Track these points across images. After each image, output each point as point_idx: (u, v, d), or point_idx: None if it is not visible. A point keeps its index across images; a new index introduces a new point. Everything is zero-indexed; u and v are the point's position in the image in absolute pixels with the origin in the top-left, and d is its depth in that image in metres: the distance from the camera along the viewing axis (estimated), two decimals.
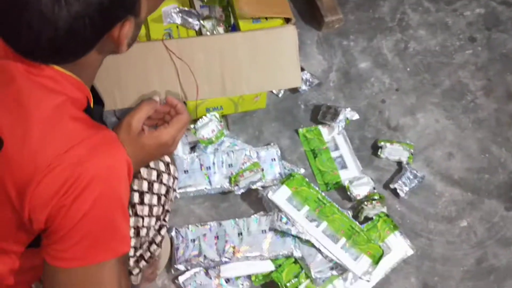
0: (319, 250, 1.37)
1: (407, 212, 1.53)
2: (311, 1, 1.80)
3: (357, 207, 1.49)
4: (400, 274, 1.44)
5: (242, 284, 1.38)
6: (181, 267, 1.36)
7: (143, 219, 1.02)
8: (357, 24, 1.85)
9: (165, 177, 1.04)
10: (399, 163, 1.59)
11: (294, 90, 1.69)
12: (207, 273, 1.37)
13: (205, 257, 1.35)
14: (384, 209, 1.47)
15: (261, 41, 1.38)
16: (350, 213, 1.45)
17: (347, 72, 1.76)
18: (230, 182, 1.46)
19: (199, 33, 1.44)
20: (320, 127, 1.62)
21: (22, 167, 0.76)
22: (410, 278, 1.44)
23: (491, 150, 1.65)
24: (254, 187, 1.46)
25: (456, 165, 1.62)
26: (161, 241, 1.13)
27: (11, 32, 0.75)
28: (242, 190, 1.46)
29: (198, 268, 1.37)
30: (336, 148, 1.59)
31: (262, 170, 1.48)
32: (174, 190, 1.11)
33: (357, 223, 1.42)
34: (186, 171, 1.46)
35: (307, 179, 1.46)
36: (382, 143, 1.59)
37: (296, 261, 1.39)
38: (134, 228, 1.00)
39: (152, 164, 1.01)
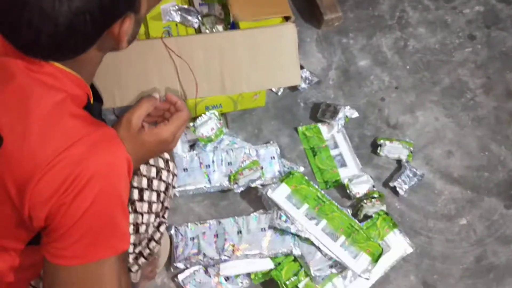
0: (318, 248, 1.37)
1: (407, 210, 1.53)
2: None
3: (356, 205, 1.49)
4: (400, 272, 1.44)
5: (242, 282, 1.38)
6: (180, 265, 1.36)
7: (142, 216, 1.02)
8: (356, 22, 1.85)
9: (164, 174, 1.04)
10: (399, 161, 1.59)
11: (294, 88, 1.68)
12: (206, 271, 1.37)
13: (204, 255, 1.35)
14: (384, 207, 1.47)
15: (261, 39, 1.38)
16: (349, 211, 1.45)
17: (347, 70, 1.75)
18: (229, 180, 1.46)
19: (198, 31, 1.44)
20: (319, 125, 1.62)
21: (21, 165, 0.76)
22: (410, 276, 1.44)
23: (491, 148, 1.65)
24: (253, 185, 1.46)
25: (455, 163, 1.62)
26: (160, 238, 1.13)
27: (11, 28, 0.74)
28: (242, 188, 1.46)
29: (197, 266, 1.37)
30: (336, 146, 1.59)
31: (262, 168, 1.47)
32: (173, 187, 1.11)
33: (357, 221, 1.42)
34: (185, 169, 1.46)
35: (306, 177, 1.46)
36: (382, 141, 1.59)
37: (295, 259, 1.39)
38: (134, 225, 1.00)
39: (151, 161, 1.01)
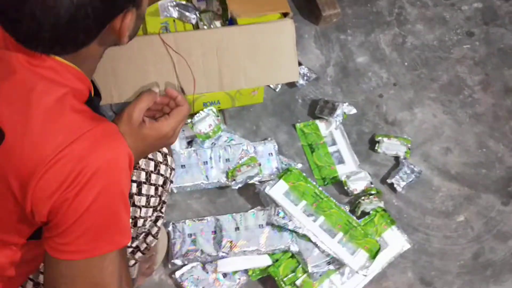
0: (316, 245, 1.37)
1: (404, 206, 1.54)
2: None
3: (354, 202, 1.49)
4: (397, 269, 1.44)
5: (239, 279, 1.38)
6: (178, 262, 1.36)
7: (140, 209, 1.02)
8: (354, 19, 1.84)
9: (162, 168, 1.05)
10: (397, 158, 1.59)
11: (292, 85, 1.68)
12: (204, 268, 1.37)
13: (202, 251, 1.35)
14: (381, 204, 1.47)
15: (259, 35, 1.38)
16: (347, 208, 1.45)
17: (345, 67, 1.75)
18: (227, 176, 1.46)
19: (196, 27, 1.44)
20: (317, 121, 1.61)
21: (24, 160, 0.75)
22: (407, 273, 1.45)
23: (488, 145, 1.65)
24: (251, 181, 1.46)
25: (453, 160, 1.62)
26: (157, 233, 1.13)
27: (13, 21, 0.74)
28: (240, 185, 1.46)
29: (195, 263, 1.37)
30: (334, 143, 1.59)
31: (259, 164, 1.47)
32: (171, 181, 1.11)
33: (354, 217, 1.43)
34: (183, 166, 1.46)
35: (304, 174, 1.46)
36: (380, 138, 1.59)
37: (293, 256, 1.39)
38: (131, 219, 1.00)
39: (150, 155, 1.02)
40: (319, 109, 1.63)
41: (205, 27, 1.42)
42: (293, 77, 1.47)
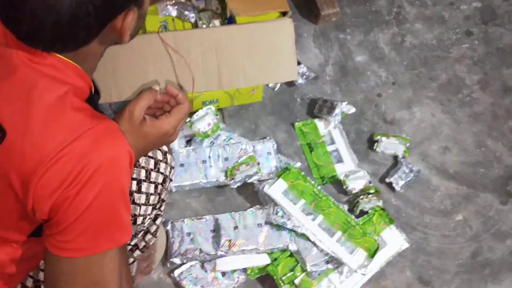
0: (314, 244, 1.37)
1: (403, 206, 1.54)
2: None
3: (352, 201, 1.49)
4: (396, 268, 1.45)
5: (238, 278, 1.38)
6: (176, 260, 1.36)
7: (140, 207, 1.02)
8: (353, 18, 1.84)
9: (162, 166, 1.05)
10: (395, 157, 1.59)
11: (291, 84, 1.68)
12: (202, 267, 1.38)
13: (200, 250, 1.35)
14: (380, 203, 1.47)
15: (258, 34, 1.37)
16: (346, 207, 1.46)
17: (344, 66, 1.75)
18: (226, 175, 1.46)
19: (195, 25, 1.43)
20: (316, 120, 1.62)
21: (25, 158, 0.76)
22: (406, 272, 1.45)
23: (487, 144, 1.66)
24: (250, 180, 1.46)
25: (451, 159, 1.62)
26: (156, 231, 1.13)
27: (14, 18, 0.74)
28: (238, 184, 1.46)
29: (193, 261, 1.37)
30: (332, 142, 1.59)
31: (258, 163, 1.47)
32: (171, 179, 1.11)
33: (353, 216, 1.43)
34: (182, 165, 1.46)
35: (303, 173, 1.46)
36: (378, 137, 1.59)
37: (291, 255, 1.39)
38: (131, 216, 1.00)
39: (150, 153, 1.02)
40: (318, 108, 1.63)
41: (204, 26, 1.42)
42: (292, 76, 1.47)
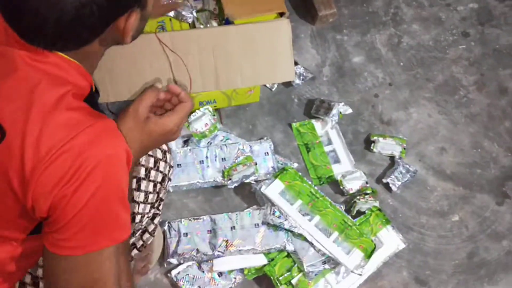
0: (311, 244, 1.37)
1: (400, 206, 1.54)
2: None
3: (349, 201, 1.49)
4: (392, 268, 1.45)
5: (235, 278, 1.38)
6: (173, 261, 1.36)
7: (138, 205, 1.03)
8: (351, 18, 1.85)
9: (162, 165, 1.05)
10: (392, 158, 1.60)
11: (288, 84, 1.68)
12: (199, 267, 1.37)
13: (197, 251, 1.35)
14: (377, 203, 1.47)
15: (255, 34, 1.38)
16: (342, 207, 1.46)
17: (341, 67, 1.75)
18: (223, 176, 1.46)
19: (193, 26, 1.44)
20: (313, 121, 1.62)
21: (25, 157, 0.76)
22: (402, 272, 1.45)
23: (483, 145, 1.66)
24: (247, 181, 1.46)
25: (448, 159, 1.63)
26: (153, 230, 1.13)
27: (16, 16, 0.74)
28: (235, 184, 1.46)
29: (190, 262, 1.37)
30: (329, 142, 1.60)
31: (255, 164, 1.47)
32: (169, 179, 1.11)
33: (350, 217, 1.43)
34: (179, 165, 1.46)
35: (300, 173, 1.46)
36: (375, 138, 1.59)
37: (288, 255, 1.39)
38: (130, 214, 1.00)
39: (150, 151, 1.02)
40: (315, 108, 1.63)
41: (201, 26, 1.42)
42: (289, 76, 1.47)
